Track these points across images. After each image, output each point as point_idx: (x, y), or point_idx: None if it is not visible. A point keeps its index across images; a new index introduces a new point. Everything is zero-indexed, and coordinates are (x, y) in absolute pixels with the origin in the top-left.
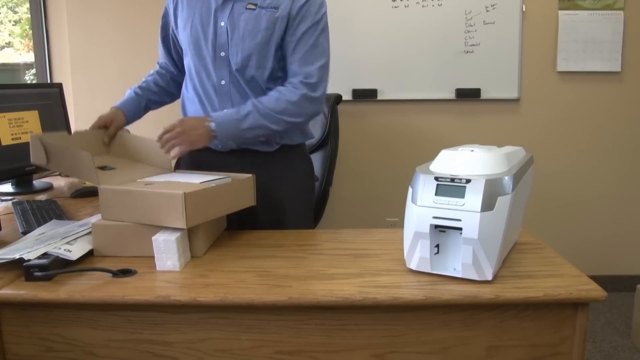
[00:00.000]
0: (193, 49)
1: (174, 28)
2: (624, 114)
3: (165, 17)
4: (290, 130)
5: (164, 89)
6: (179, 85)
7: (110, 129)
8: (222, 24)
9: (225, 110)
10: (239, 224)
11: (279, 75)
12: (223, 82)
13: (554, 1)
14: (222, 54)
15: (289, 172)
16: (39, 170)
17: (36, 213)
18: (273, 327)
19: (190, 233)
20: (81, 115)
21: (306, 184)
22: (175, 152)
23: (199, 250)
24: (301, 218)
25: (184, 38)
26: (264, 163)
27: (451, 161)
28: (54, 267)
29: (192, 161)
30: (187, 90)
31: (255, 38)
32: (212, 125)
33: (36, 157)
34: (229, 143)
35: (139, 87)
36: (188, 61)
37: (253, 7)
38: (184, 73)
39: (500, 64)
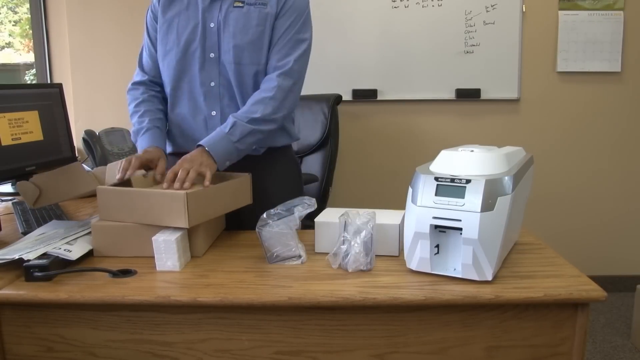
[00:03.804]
0: (178, 52)
1: (154, 35)
2: (624, 114)
3: (149, 24)
4: (273, 132)
5: (165, 112)
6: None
7: (159, 167)
8: (212, 25)
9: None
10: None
11: None
12: (212, 84)
13: (554, 1)
14: (212, 55)
15: (276, 174)
16: (40, 170)
17: (36, 213)
18: (273, 327)
19: (190, 233)
20: (81, 115)
21: (293, 185)
22: (187, 185)
23: (199, 250)
24: None
25: (164, 43)
26: (252, 167)
27: (451, 161)
28: (54, 267)
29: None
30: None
31: (246, 35)
32: (206, 149)
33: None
34: (225, 164)
35: (152, 118)
36: (170, 66)
37: (241, 4)
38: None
39: (500, 64)
